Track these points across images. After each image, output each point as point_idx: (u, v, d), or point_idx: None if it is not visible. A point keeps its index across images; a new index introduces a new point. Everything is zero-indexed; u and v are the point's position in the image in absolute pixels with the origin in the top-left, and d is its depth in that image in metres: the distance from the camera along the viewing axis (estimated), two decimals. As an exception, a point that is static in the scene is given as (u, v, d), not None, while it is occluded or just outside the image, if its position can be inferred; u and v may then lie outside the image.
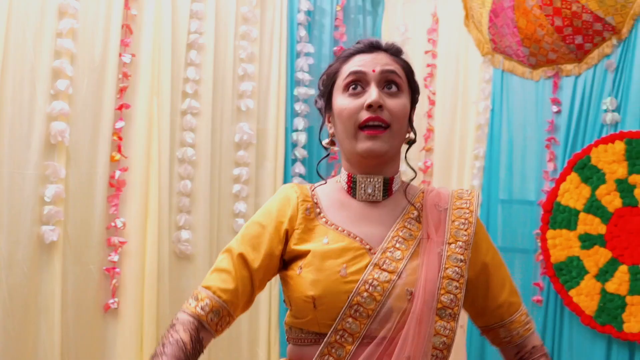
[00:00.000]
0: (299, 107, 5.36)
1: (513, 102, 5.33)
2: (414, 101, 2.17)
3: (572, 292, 4.86)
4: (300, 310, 2.01)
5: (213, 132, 4.95)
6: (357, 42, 2.15)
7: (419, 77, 5.37)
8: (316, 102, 2.27)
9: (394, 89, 2.06)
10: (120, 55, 4.53)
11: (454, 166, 5.48)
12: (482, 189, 5.30)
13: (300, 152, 5.35)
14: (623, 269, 4.68)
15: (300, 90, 5.36)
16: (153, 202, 4.62)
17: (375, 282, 1.94)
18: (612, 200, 4.76)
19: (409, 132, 2.15)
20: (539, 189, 5.14)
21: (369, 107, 2.00)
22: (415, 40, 5.67)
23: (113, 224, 4.49)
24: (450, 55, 5.58)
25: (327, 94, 2.16)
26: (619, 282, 4.70)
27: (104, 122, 4.47)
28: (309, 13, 5.44)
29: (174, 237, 4.78)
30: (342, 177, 2.15)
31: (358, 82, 2.05)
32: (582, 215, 4.86)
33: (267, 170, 5.21)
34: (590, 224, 4.83)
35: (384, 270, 1.95)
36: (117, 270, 4.50)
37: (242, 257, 2.06)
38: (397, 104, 2.05)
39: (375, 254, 1.99)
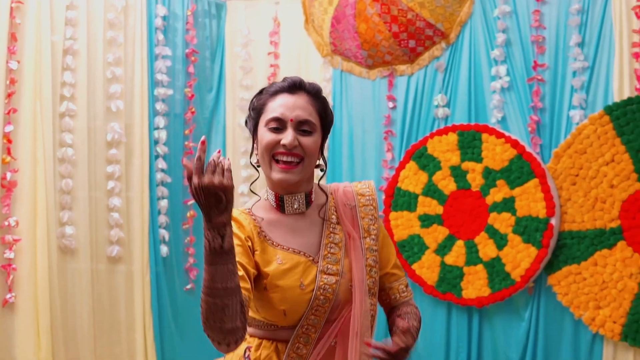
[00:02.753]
0: (159, 106, 5.73)
1: (352, 99, 5.97)
2: (326, 133, 2.60)
3: (414, 266, 5.58)
4: (272, 316, 2.44)
5: (89, 132, 5.25)
6: (284, 80, 2.56)
7: (262, 77, 5.90)
8: (246, 122, 2.63)
9: (307, 131, 2.45)
10: (7, 62, 4.75)
11: (299, 157, 6.02)
12: (326, 178, 5.88)
13: (162, 149, 5.73)
14: (460, 243, 5.44)
15: (160, 91, 5.73)
16: (41, 201, 4.90)
17: (326, 286, 2.42)
18: (447, 185, 5.50)
19: (319, 159, 2.58)
20: (380, 176, 5.81)
21: (284, 146, 2.41)
22: (258, 42, 6.17)
23: (7, 223, 4.71)
24: (291, 56, 6.12)
25: (254, 123, 2.56)
26: (456, 255, 5.45)
27: (-5, 127, 4.70)
28: (165, 18, 5.80)
29: (59, 232, 5.06)
30: (270, 195, 2.54)
31: (278, 122, 2.43)
32: (420, 198, 5.57)
33: (135, 166, 5.56)
34: (429, 206, 5.55)
35: (329, 274, 2.46)
36: (13, 266, 4.73)
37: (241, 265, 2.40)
38: (309, 142, 2.44)
39: (317, 262, 2.46)
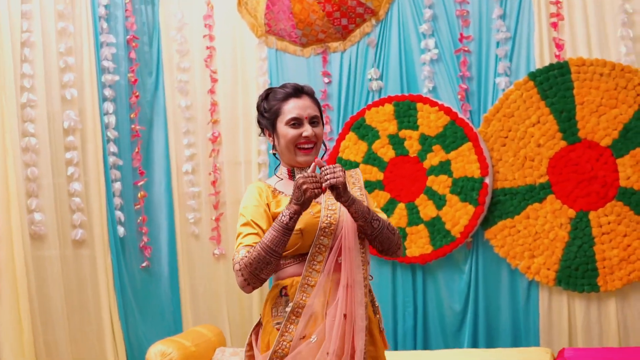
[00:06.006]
0: (107, 92, 5.94)
1: (288, 76, 6.27)
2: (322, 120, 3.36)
3: (360, 229, 5.96)
4: (293, 240, 3.07)
5: (48, 121, 5.45)
6: (284, 86, 3.25)
7: (199, 59, 6.22)
8: (259, 122, 3.30)
9: (315, 122, 3.21)
10: (-28, 56, 4.91)
11: (240, 135, 6.29)
12: (268, 153, 6.18)
13: (112, 133, 5.95)
14: (401, 206, 5.86)
15: (107, 77, 5.94)
16: (12, 190, 5.06)
17: (329, 213, 3.12)
18: (386, 152, 5.89)
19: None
20: (320, 147, 6.16)
21: (306, 137, 3.15)
22: (192, 25, 6.38)
23: (-18, 214, 4.89)
24: (226, 37, 6.35)
25: (272, 123, 3.22)
26: (398, 217, 5.86)
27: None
28: (107, 6, 5.99)
29: (28, 219, 5.24)
30: (283, 171, 3.27)
31: (297, 120, 3.16)
32: (361, 166, 5.95)
33: (90, 151, 5.76)
34: (370, 173, 5.94)
35: (330, 210, 3.15)
36: (-7, 255, 4.92)
37: (255, 222, 3.09)
38: (318, 130, 3.21)
39: (321, 203, 3.16)
